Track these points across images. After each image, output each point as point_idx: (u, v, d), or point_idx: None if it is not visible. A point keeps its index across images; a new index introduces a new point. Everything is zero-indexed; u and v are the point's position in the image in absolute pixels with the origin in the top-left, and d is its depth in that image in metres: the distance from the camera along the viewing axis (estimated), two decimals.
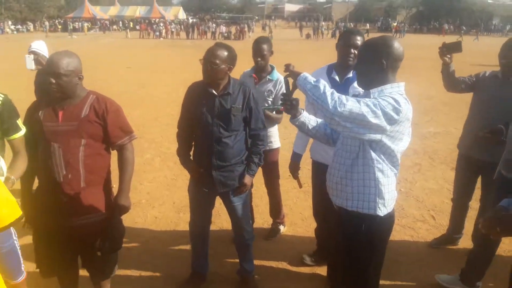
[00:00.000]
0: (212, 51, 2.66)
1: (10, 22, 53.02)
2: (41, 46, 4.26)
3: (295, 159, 3.31)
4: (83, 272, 2.66)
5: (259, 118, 2.86)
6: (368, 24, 48.84)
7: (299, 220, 4.27)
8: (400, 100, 1.91)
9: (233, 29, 41.40)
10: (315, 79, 1.97)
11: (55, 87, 2.24)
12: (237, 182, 2.87)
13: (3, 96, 2.27)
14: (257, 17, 64.95)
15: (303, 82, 2.00)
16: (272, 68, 3.67)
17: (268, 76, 3.60)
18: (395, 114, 1.87)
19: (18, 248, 1.65)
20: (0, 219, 1.51)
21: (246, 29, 41.11)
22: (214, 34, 39.53)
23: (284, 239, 3.91)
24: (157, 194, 4.91)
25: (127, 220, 4.18)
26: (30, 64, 4.04)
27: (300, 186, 3.46)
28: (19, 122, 2.33)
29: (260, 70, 3.63)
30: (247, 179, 2.88)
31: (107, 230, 2.46)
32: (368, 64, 2.03)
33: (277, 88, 3.60)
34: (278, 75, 3.65)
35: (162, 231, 4.06)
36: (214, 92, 2.72)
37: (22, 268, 1.68)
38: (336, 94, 1.88)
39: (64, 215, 2.34)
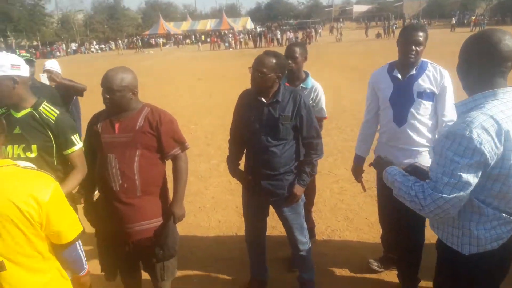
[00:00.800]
0: (260, 60, 2.61)
1: (94, 42, 58.14)
2: (54, 64, 4.62)
3: (358, 162, 3.16)
4: (146, 275, 2.76)
5: (311, 126, 2.72)
6: (453, 19, 45.19)
7: (365, 226, 4.06)
8: (474, 133, 1.52)
9: (300, 35, 41.33)
10: (396, 179, 1.80)
11: (108, 102, 2.35)
12: (287, 191, 2.77)
13: (57, 113, 2.39)
14: (321, 22, 63.97)
15: (388, 184, 1.89)
16: (307, 75, 3.39)
17: (301, 85, 3.33)
18: (478, 156, 1.53)
19: (81, 252, 1.80)
20: (64, 236, 1.65)
21: (313, 33, 40.81)
22: (279, 41, 39.72)
23: (348, 245, 3.74)
24: (221, 199, 4.99)
25: (193, 224, 4.32)
26: (45, 81, 4.35)
27: (364, 190, 3.30)
28: (75, 137, 2.42)
29: (294, 77, 3.34)
30: (297, 189, 2.77)
31: (162, 237, 2.52)
32: (466, 65, 1.71)
33: (312, 96, 3.34)
34: (313, 82, 3.39)
35: (225, 235, 4.10)
36: (263, 100, 2.66)
37: (85, 265, 1.83)
38: (414, 194, 1.67)
39: (121, 222, 2.43)
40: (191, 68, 22.17)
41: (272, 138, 2.67)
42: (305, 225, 3.00)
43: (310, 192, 3.58)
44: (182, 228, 4.10)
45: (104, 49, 55.70)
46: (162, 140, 2.44)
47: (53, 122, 2.34)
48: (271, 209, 2.99)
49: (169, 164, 2.58)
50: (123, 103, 2.37)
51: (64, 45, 55.54)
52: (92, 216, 2.60)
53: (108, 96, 2.33)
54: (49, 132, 2.33)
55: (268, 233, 3.32)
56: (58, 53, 50.56)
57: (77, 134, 2.45)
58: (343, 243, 3.80)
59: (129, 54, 39.70)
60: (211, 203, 4.91)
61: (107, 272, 2.65)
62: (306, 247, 2.99)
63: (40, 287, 1.61)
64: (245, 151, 2.95)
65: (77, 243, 1.72)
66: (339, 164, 5.84)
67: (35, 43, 55.37)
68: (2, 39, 50.08)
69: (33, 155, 2.30)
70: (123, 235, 2.45)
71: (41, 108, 2.35)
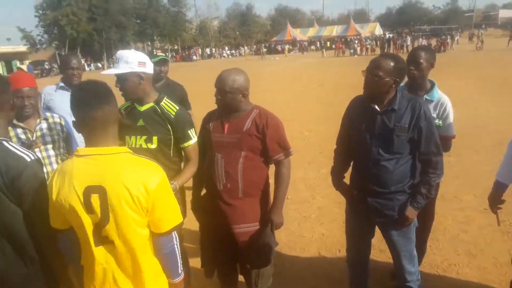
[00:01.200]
0: (375, 62, 2.37)
1: (226, 48, 62.28)
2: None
3: (498, 189, 2.62)
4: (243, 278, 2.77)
5: (431, 140, 2.38)
6: None
7: (491, 265, 3.48)
8: None
9: (433, 42, 38.28)
10: None
11: (219, 103, 2.44)
12: (397, 213, 2.48)
13: (177, 108, 2.54)
14: (459, 28, 57.90)
15: None
16: (432, 85, 2.94)
17: (426, 96, 2.89)
18: None
19: (177, 251, 1.79)
20: (164, 224, 1.71)
21: (448, 40, 37.40)
22: (407, 47, 37.23)
23: (467, 285, 3.24)
24: (327, 211, 4.81)
25: (296, 232, 4.25)
26: None
27: (498, 224, 2.82)
28: (192, 131, 2.55)
29: (416, 86, 2.91)
30: (409, 212, 2.45)
31: (258, 243, 2.50)
32: None
33: (438, 112, 2.88)
34: (440, 94, 2.92)
35: (328, 250, 3.92)
36: (376, 107, 2.42)
37: (180, 271, 1.82)
38: None
39: (222, 221, 2.50)
40: (313, 74, 22.17)
41: (385, 151, 2.41)
42: (415, 253, 2.68)
43: (427, 217, 3.16)
44: (285, 236, 4.08)
45: (234, 54, 59.27)
46: (267, 143, 2.44)
47: (173, 116, 2.49)
48: (378, 230, 2.74)
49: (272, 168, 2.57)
50: (233, 105, 2.43)
51: (200, 49, 60.71)
52: (198, 210, 2.72)
53: (219, 97, 2.42)
54: (169, 126, 2.48)
55: (374, 257, 3.08)
56: (194, 57, 55.47)
57: (193, 128, 2.57)
58: (461, 281, 3.30)
59: (254, 60, 41.50)
60: (316, 214, 4.77)
61: (206, 269, 2.74)
62: (415, 278, 2.68)
63: (141, 270, 1.70)
64: (352, 163, 2.74)
65: (174, 237, 1.76)
66: (467, 189, 5.15)
67: (176, 47, 61.59)
68: (149, 43, 56.87)
69: (153, 146, 2.47)
70: (223, 233, 2.51)
71: (162, 103, 2.52)
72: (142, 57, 2.44)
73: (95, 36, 46.39)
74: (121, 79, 2.39)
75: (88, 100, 1.60)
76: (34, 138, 2.68)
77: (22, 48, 46.04)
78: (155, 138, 2.48)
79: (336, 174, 2.83)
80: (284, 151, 2.50)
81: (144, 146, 2.47)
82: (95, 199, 1.62)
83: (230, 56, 57.60)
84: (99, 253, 1.70)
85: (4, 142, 1.73)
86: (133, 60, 2.38)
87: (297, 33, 59.86)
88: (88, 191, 1.62)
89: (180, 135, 2.52)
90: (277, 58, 42.63)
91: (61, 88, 3.52)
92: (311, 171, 6.23)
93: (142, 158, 1.72)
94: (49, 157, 2.76)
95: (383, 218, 2.55)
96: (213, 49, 61.03)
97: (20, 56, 44.43)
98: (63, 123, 3.01)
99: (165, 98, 2.56)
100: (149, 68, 2.46)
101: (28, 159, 1.72)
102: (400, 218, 2.49)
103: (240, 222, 2.47)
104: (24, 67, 37.80)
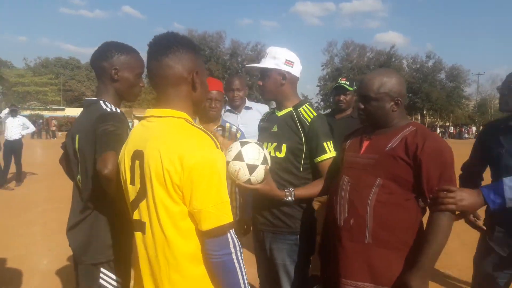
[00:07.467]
0: None
1: None
2: None
3: None
4: None
5: None
6: None
7: None
8: None
9: None
10: None
11: (362, 113, 1.84)
12: None
13: (314, 115, 2.12)
14: None
15: None
16: None
17: None
18: None
19: (238, 266, 1.28)
20: (204, 218, 1.26)
21: None
22: None
23: None
24: None
25: None
26: None
27: None
28: (328, 144, 2.06)
29: None
30: None
31: None
32: None
33: None
34: None
35: None
36: None
37: None
38: None
39: (335, 270, 1.77)
40: None
41: None
42: None
43: None
44: None
45: None
46: (422, 174, 1.66)
47: (308, 123, 2.10)
48: None
49: None
50: (379, 115, 1.81)
51: (474, 127, 55.05)
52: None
53: (362, 106, 1.83)
54: (302, 134, 2.10)
55: None
56: (465, 135, 50.58)
57: (331, 141, 2.09)
58: None
59: None
60: None
61: None
62: None
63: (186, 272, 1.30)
64: None
65: (230, 242, 1.27)
66: None
67: (447, 123, 57.85)
68: (419, 117, 55.54)
69: (281, 155, 2.13)
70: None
71: (301, 108, 2.16)
72: (292, 56, 2.17)
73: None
74: (264, 75, 2.17)
75: (149, 50, 1.41)
76: None
77: None
78: (284, 146, 2.11)
79: None
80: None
81: (272, 154, 2.13)
82: (137, 167, 1.36)
83: None
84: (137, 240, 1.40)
85: (101, 101, 1.74)
86: (281, 57, 2.13)
87: None
88: (134, 156, 1.38)
89: (313, 146, 2.06)
90: None
91: (228, 111, 3.54)
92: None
93: (198, 128, 1.35)
94: None
95: None
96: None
97: None
98: (238, 135, 2.98)
99: (306, 105, 2.18)
100: (296, 70, 2.18)
101: (109, 110, 1.69)
102: None
103: (359, 279, 1.70)
104: None
